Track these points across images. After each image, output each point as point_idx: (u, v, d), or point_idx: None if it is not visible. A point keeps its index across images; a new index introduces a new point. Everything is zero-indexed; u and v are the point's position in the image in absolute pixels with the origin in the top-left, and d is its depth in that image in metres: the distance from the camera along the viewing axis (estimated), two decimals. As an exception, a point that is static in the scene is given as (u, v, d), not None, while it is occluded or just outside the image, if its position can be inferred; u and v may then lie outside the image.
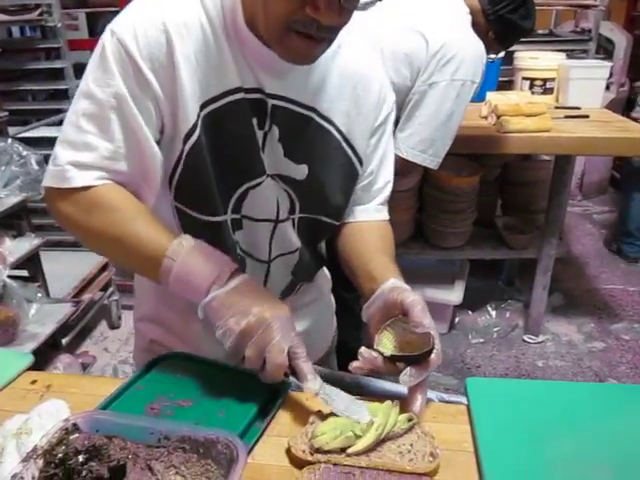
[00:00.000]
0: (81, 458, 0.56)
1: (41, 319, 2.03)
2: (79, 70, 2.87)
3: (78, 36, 3.04)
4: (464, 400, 0.79)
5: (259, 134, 0.80)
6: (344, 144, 0.86)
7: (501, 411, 0.75)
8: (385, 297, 0.79)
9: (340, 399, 0.71)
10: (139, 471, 0.55)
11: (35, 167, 1.93)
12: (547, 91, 2.69)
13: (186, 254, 0.71)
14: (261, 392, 0.77)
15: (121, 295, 2.77)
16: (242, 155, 0.81)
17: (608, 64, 2.73)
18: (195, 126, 0.76)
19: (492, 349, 2.62)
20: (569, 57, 2.78)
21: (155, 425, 0.57)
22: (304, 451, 0.66)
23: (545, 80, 2.67)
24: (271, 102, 0.79)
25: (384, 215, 0.97)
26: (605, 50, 3.92)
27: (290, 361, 0.70)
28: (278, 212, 0.86)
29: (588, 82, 2.58)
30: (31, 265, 2.13)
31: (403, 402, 0.73)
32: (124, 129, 0.74)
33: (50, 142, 2.63)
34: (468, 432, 0.72)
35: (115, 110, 0.73)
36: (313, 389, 0.70)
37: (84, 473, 0.56)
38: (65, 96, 2.50)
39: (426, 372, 0.73)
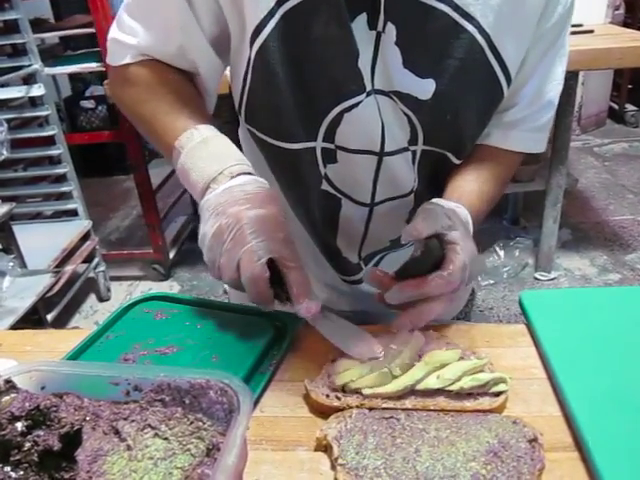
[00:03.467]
0: (20, 426, 0.40)
1: (19, 293, 1.87)
2: (37, 24, 2.62)
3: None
4: None
5: (367, 37, 0.60)
6: (488, 52, 0.62)
7: (568, 325, 0.60)
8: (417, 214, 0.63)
9: (344, 330, 0.57)
10: (101, 436, 0.39)
11: (-5, 123, 1.73)
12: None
13: (192, 147, 0.61)
14: (263, 331, 0.61)
15: (108, 266, 2.61)
16: (335, 66, 0.61)
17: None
18: (264, 23, 0.59)
19: (503, 289, 2.49)
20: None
21: (119, 373, 0.41)
22: (328, 395, 0.50)
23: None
24: None
25: (528, 147, 0.73)
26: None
27: (282, 278, 0.56)
28: (383, 142, 0.66)
29: (589, -6, 2.41)
30: (2, 236, 1.94)
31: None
32: (166, 18, 0.64)
33: (13, 103, 2.32)
34: (534, 355, 0.57)
35: None
36: (305, 312, 0.55)
37: (27, 446, 0.40)
38: (24, 52, 2.26)
39: (420, 287, 0.54)
